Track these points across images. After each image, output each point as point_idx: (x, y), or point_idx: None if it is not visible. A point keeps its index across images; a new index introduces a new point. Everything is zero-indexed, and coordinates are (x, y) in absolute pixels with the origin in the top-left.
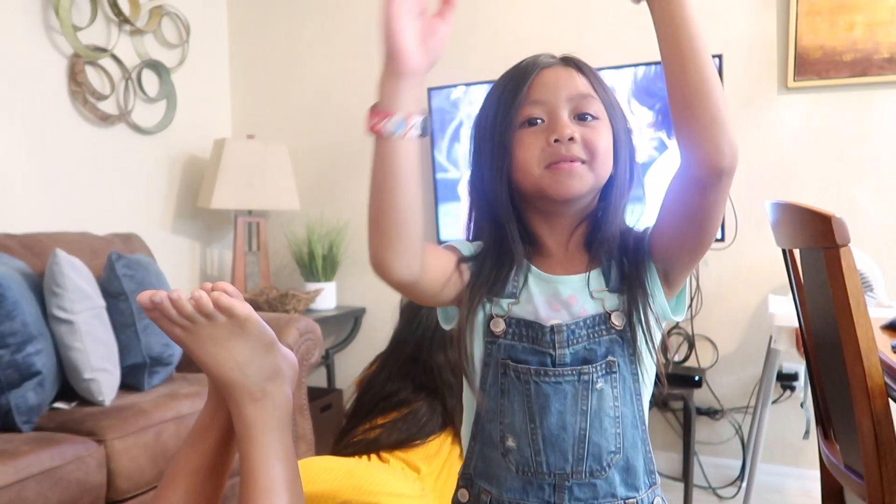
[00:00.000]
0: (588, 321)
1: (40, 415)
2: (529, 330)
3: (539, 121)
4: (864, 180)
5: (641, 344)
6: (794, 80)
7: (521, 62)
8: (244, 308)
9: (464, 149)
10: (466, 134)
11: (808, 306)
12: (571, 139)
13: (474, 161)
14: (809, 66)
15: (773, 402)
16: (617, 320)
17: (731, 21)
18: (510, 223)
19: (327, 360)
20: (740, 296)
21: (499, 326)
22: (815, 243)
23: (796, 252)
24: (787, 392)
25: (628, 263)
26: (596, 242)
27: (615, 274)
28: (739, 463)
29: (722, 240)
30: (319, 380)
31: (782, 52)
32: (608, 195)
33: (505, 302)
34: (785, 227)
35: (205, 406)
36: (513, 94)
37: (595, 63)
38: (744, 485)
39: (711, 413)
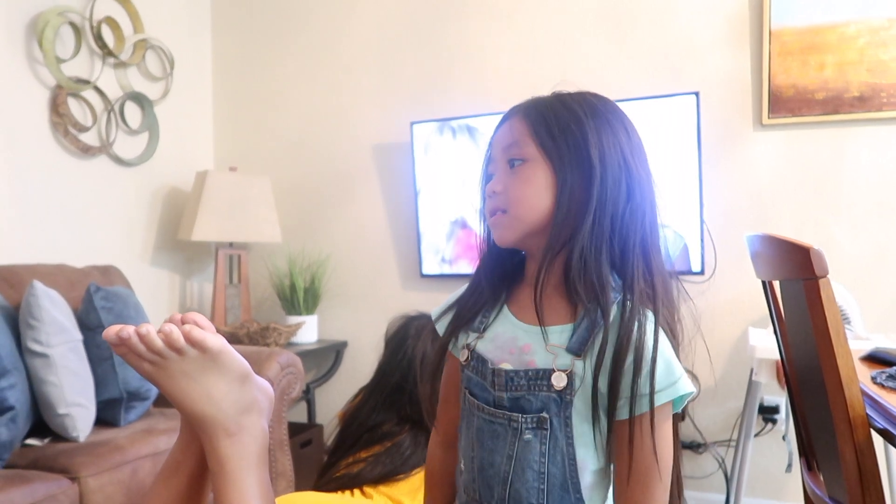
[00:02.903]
0: (531, 373)
1: (12, 451)
2: (482, 366)
3: (493, 176)
4: (840, 214)
5: (579, 416)
6: (769, 118)
7: None
8: (216, 340)
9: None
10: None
11: (789, 337)
12: (495, 192)
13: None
14: (783, 104)
15: (755, 435)
16: (556, 381)
17: (708, 60)
18: (505, 265)
19: (308, 395)
20: (721, 329)
21: (464, 356)
22: (795, 275)
23: (776, 284)
24: (769, 425)
25: (606, 358)
26: (572, 294)
27: (581, 334)
28: (723, 497)
29: (701, 273)
30: (300, 415)
31: (756, 90)
32: (558, 233)
33: (472, 335)
34: (764, 258)
35: (177, 441)
36: (486, 155)
37: None
38: None
39: (694, 447)
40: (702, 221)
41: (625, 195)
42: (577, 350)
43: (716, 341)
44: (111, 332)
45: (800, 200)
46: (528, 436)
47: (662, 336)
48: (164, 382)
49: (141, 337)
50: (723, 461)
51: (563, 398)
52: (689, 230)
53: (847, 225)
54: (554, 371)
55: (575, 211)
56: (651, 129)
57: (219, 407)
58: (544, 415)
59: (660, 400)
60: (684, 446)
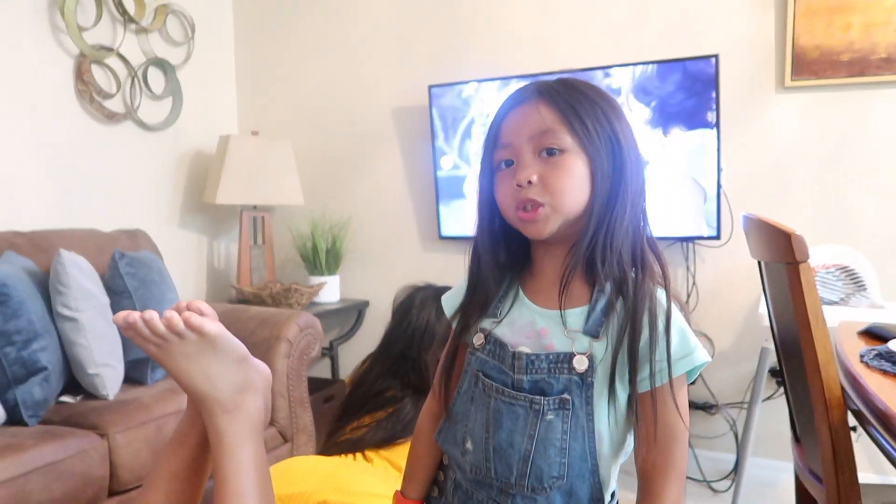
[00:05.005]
0: (551, 356)
1: (47, 409)
2: (500, 350)
3: (512, 162)
4: (862, 180)
5: (599, 393)
6: (792, 80)
7: (504, 102)
8: (213, 326)
9: (475, 146)
10: (477, 131)
11: (774, 316)
12: (530, 182)
13: (478, 189)
14: (806, 66)
15: (767, 398)
16: (578, 364)
17: (730, 21)
18: (502, 254)
19: (331, 352)
20: (736, 293)
21: (479, 340)
22: (778, 258)
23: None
24: (782, 388)
25: (623, 333)
26: (593, 278)
27: (596, 316)
28: (734, 457)
29: (718, 237)
30: (324, 371)
31: (780, 51)
32: (597, 222)
33: (489, 321)
34: (753, 239)
35: (184, 414)
36: (490, 138)
37: (593, 62)
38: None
39: (707, 408)
40: (719, 185)
41: (641, 181)
42: (595, 332)
43: (732, 304)
44: (119, 317)
45: (822, 164)
46: (550, 416)
47: (675, 308)
48: (167, 362)
49: (146, 322)
50: (734, 423)
51: (585, 380)
52: (707, 194)
53: (869, 191)
54: (575, 355)
55: (607, 200)
56: (670, 91)
57: (216, 386)
58: (566, 396)
59: (678, 371)
60: (698, 407)
